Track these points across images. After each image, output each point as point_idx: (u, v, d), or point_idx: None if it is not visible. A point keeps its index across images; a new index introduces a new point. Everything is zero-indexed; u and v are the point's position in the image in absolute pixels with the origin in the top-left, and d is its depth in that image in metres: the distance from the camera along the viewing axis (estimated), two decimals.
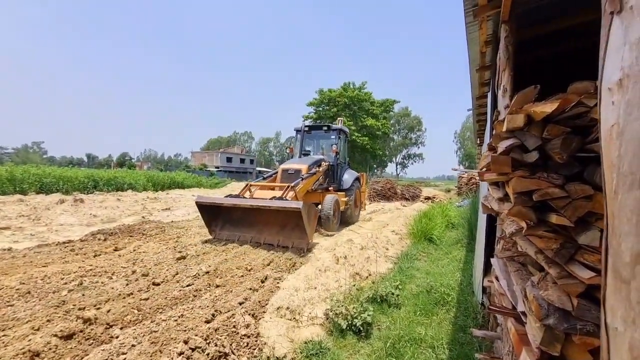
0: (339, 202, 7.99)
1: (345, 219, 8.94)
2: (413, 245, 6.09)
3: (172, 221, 8.18)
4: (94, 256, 4.67)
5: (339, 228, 7.86)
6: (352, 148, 39.72)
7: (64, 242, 5.44)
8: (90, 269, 3.93)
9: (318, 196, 8.15)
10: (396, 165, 70.42)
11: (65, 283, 3.48)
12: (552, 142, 1.20)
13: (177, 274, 3.90)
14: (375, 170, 75.10)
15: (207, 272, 3.95)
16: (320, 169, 8.04)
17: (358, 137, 34.42)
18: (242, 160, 62.34)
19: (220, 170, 51.29)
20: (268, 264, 4.46)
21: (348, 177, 9.37)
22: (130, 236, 6.06)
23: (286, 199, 5.78)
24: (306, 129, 9.62)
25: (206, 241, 5.74)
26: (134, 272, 3.92)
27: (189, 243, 5.60)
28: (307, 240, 5.54)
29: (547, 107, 1.09)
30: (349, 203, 8.82)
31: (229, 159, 60.25)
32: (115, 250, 5.03)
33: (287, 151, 9.69)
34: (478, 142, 10.98)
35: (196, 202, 6.14)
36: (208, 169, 47.34)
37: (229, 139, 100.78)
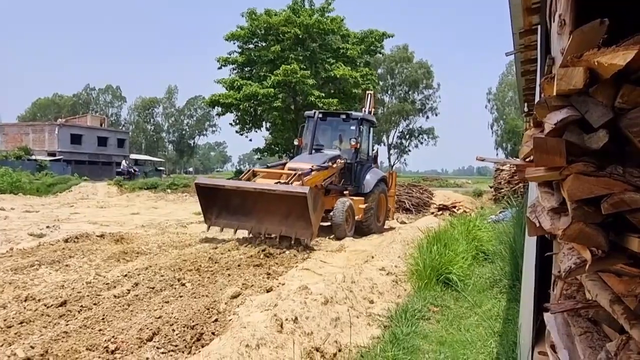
0: (353, 207, 11.07)
1: (363, 232, 11.76)
2: (417, 294, 6.28)
3: None
4: None
5: (293, 263, 8.36)
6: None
7: None
8: None
9: (330, 201, 11.00)
10: (389, 149, 72.34)
11: None
12: (630, 114, 1.27)
13: None
14: None
15: None
16: (335, 165, 11.14)
17: (319, 99, 34.72)
18: (103, 141, 60.25)
19: (60, 160, 49.15)
20: (150, 338, 4.36)
21: (370, 178, 12.47)
22: None
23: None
24: (320, 116, 12.73)
25: (28, 297, 5.48)
26: None
27: None
28: (311, 231, 8.94)
29: (620, 57, 1.16)
30: (368, 211, 11.84)
31: (76, 138, 57.75)
32: None
33: (296, 143, 13.15)
34: (526, 108, 11.61)
35: (196, 184, 10.06)
36: (34, 157, 45.13)
37: (75, 100, 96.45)
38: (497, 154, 71.31)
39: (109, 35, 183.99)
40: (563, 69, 1.41)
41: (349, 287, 6.02)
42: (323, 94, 35.71)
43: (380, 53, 45.35)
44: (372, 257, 8.29)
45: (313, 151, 12.29)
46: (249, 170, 10.84)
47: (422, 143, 72.72)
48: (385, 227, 13.68)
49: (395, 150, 73.23)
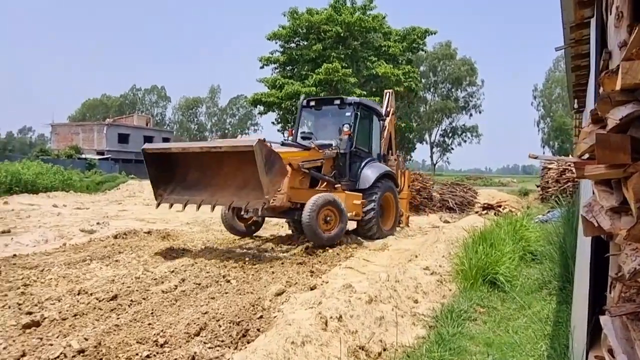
0: (338, 202, 9.20)
1: (362, 235, 10.52)
2: (462, 294, 6.18)
3: (16, 255, 8.05)
4: None
5: (336, 262, 8.24)
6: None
7: None
8: None
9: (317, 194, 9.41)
10: (431, 148, 71.68)
11: None
12: None
13: (23, 355, 3.85)
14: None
15: (82, 352, 3.92)
16: (322, 151, 10.01)
17: (361, 97, 34.63)
18: (149, 140, 61.70)
19: (108, 158, 50.67)
20: (197, 333, 4.45)
21: (371, 172, 10.95)
22: None
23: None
24: (312, 103, 11.78)
25: (81, 291, 5.68)
26: None
27: (48, 296, 5.53)
28: (263, 197, 7.39)
29: None
30: (367, 209, 10.37)
31: (123, 138, 59.60)
32: None
33: (286, 135, 12.29)
34: (576, 105, 11.27)
35: (143, 150, 8.52)
36: (84, 156, 46.69)
37: (122, 100, 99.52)
38: (543, 152, 69.72)
39: (154, 36, 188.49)
40: (628, 63, 1.37)
41: (393, 286, 5.99)
42: (365, 92, 35.68)
43: (422, 50, 45.13)
44: (416, 257, 8.23)
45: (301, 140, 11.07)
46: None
47: (465, 141, 71.80)
48: (422, 228, 12.97)
49: (438, 148, 72.47)
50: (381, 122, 12.43)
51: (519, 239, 8.70)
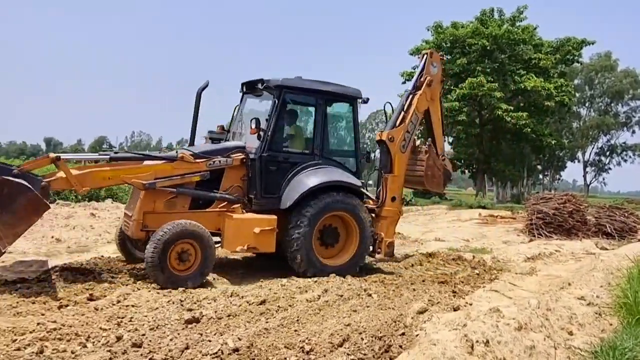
0: (202, 236, 6.84)
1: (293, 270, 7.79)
2: (626, 330, 5.61)
3: None
4: (59, 307, 5.26)
5: (480, 283, 7.94)
6: (498, 131, 38.28)
7: (13, 282, 6.27)
8: (55, 329, 4.44)
9: (212, 220, 7.44)
10: (584, 167, 66.34)
11: (18, 349, 3.98)
12: None
13: (187, 348, 4.19)
14: (543, 176, 71.27)
15: (237, 351, 4.18)
16: (203, 161, 7.50)
17: (507, 112, 33.08)
18: None
19: None
20: (341, 344, 4.53)
21: (300, 184, 7.80)
22: (113, 277, 6.67)
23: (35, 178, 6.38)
24: (245, 89, 8.94)
25: (233, 293, 6.06)
26: (119, 338, 4.32)
27: (205, 295, 5.97)
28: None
29: None
30: (293, 238, 7.54)
31: None
32: (90, 299, 5.61)
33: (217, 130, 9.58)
34: None
35: None
36: None
37: None
38: None
39: (300, 56, 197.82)
40: None
41: (545, 315, 5.61)
42: (511, 108, 34.12)
43: (578, 62, 42.07)
44: (569, 284, 7.66)
45: (210, 141, 8.98)
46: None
47: (625, 161, 65.48)
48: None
49: (592, 168, 66.86)
50: (353, 106, 8.83)
51: None
